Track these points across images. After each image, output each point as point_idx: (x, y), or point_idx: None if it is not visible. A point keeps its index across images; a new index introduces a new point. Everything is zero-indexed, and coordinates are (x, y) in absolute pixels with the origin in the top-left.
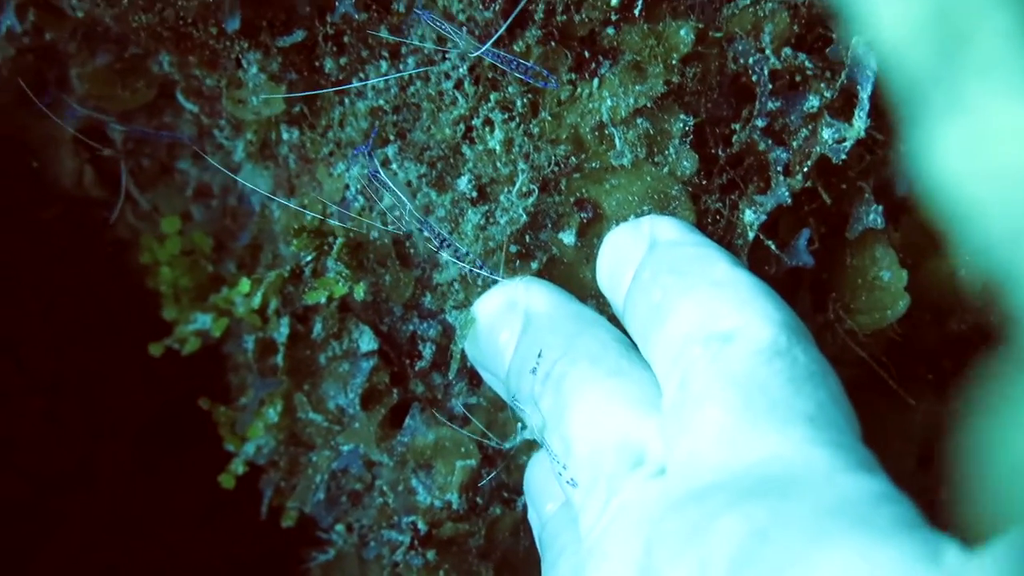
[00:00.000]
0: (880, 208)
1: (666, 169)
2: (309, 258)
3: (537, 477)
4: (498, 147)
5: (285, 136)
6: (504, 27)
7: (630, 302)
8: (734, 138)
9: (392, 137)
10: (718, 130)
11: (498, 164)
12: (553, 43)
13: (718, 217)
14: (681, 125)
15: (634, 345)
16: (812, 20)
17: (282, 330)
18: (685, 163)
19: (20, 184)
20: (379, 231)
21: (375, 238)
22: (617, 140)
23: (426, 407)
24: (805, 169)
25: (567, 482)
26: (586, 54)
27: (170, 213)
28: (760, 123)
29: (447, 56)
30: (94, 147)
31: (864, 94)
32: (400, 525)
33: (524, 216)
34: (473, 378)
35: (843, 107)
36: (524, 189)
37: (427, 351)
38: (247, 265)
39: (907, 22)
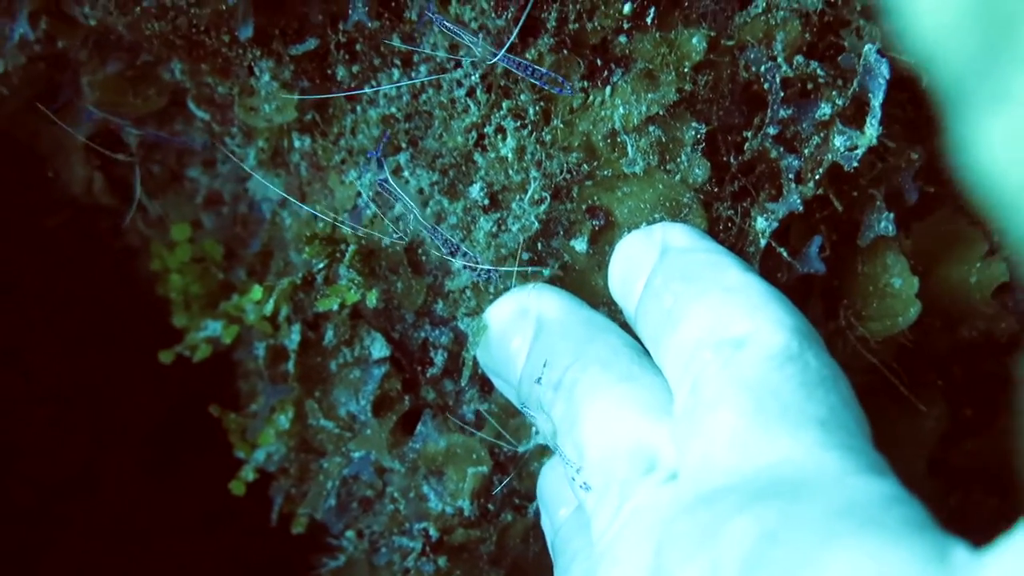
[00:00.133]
0: (891, 215)
1: (678, 177)
2: (321, 265)
3: (550, 483)
4: (510, 155)
5: (297, 144)
6: (515, 33)
7: (642, 308)
8: (746, 146)
9: (404, 145)
10: (730, 138)
11: (510, 172)
12: (565, 51)
13: (730, 224)
14: (693, 133)
15: (646, 351)
16: (824, 28)
17: (293, 337)
18: (697, 171)
19: (28, 191)
20: (391, 238)
21: (387, 245)
22: (629, 148)
23: (438, 414)
24: (817, 176)
25: (580, 487)
26: (598, 62)
27: (180, 220)
28: (772, 131)
29: (459, 64)
30: (106, 154)
31: (876, 102)
32: (411, 531)
33: (536, 223)
34: (485, 385)
35: (855, 115)
36: (536, 196)
37: (439, 358)
38: (257, 272)
39: (949, 13)
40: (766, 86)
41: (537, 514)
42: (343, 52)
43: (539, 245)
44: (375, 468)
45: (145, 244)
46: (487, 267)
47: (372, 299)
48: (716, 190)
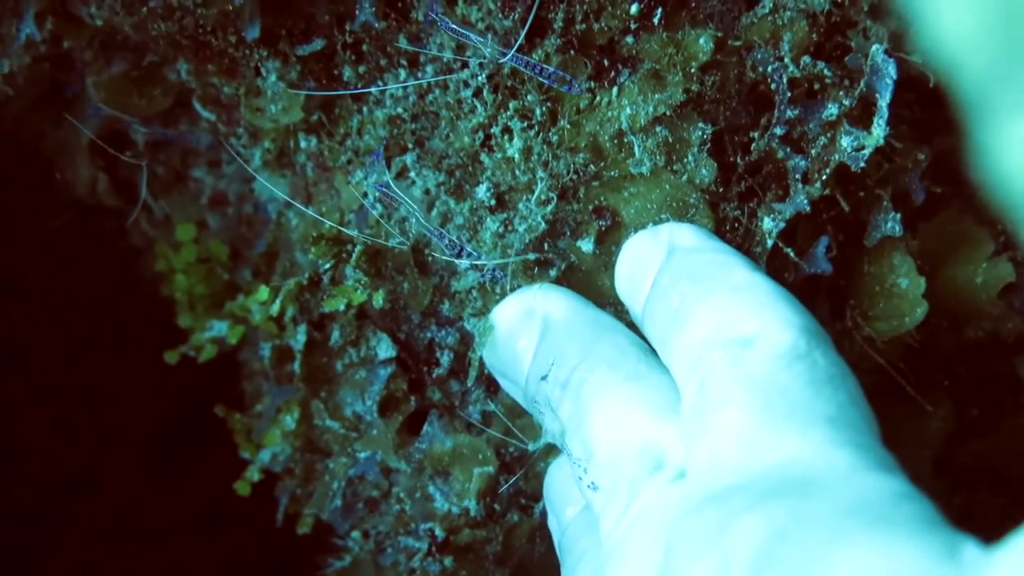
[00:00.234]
0: (898, 216)
1: (685, 177)
2: (328, 266)
3: (557, 482)
4: (517, 155)
5: (303, 144)
6: (524, 34)
7: (649, 308)
8: (753, 146)
9: (411, 145)
10: (737, 138)
11: (517, 172)
12: (572, 51)
13: (737, 225)
14: (700, 133)
15: (652, 351)
16: (831, 28)
17: (299, 337)
18: (704, 171)
19: (32, 192)
20: (394, 241)
21: (393, 246)
22: (636, 148)
23: (444, 414)
24: (824, 177)
25: (588, 486)
26: (605, 62)
27: (185, 221)
28: (779, 131)
29: (466, 64)
30: (112, 154)
31: (883, 102)
32: (417, 532)
33: (543, 224)
34: (491, 385)
35: (861, 115)
36: (543, 197)
37: (445, 358)
38: (263, 273)
39: (972, 19)
40: (773, 86)
41: (543, 514)
42: (349, 52)
43: (546, 245)
44: (381, 468)
45: (149, 244)
46: (486, 261)
47: (378, 300)
48: (723, 190)
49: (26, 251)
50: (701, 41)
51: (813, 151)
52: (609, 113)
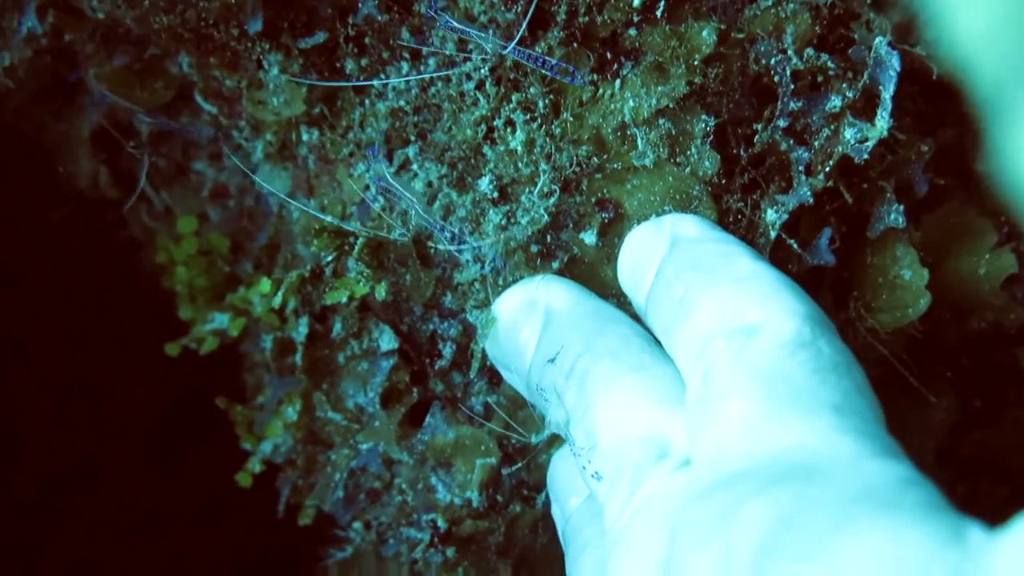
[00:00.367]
0: (901, 207)
1: (688, 169)
2: (330, 258)
3: (561, 472)
4: (520, 148)
5: (305, 137)
6: (524, 26)
7: (652, 299)
8: (756, 138)
9: (413, 138)
10: (740, 130)
11: (519, 165)
12: (575, 44)
13: (740, 217)
14: (703, 125)
15: (656, 341)
16: (834, 21)
17: (300, 329)
18: (707, 163)
19: (32, 185)
20: (399, 230)
21: (395, 238)
22: (639, 140)
23: (446, 406)
24: (827, 169)
25: (592, 476)
26: (608, 55)
27: (186, 214)
28: (782, 123)
29: (469, 57)
30: (115, 144)
31: (886, 94)
32: (419, 523)
33: (545, 216)
34: (493, 377)
35: (865, 107)
36: (546, 189)
37: (447, 350)
38: (264, 265)
39: (989, 20)
40: (776, 79)
41: (545, 505)
42: (352, 45)
43: (548, 238)
44: (383, 460)
45: (150, 237)
46: (474, 243)
47: (381, 292)
48: (726, 182)
49: (27, 244)
50: (704, 34)
51: (816, 143)
52: (612, 105)
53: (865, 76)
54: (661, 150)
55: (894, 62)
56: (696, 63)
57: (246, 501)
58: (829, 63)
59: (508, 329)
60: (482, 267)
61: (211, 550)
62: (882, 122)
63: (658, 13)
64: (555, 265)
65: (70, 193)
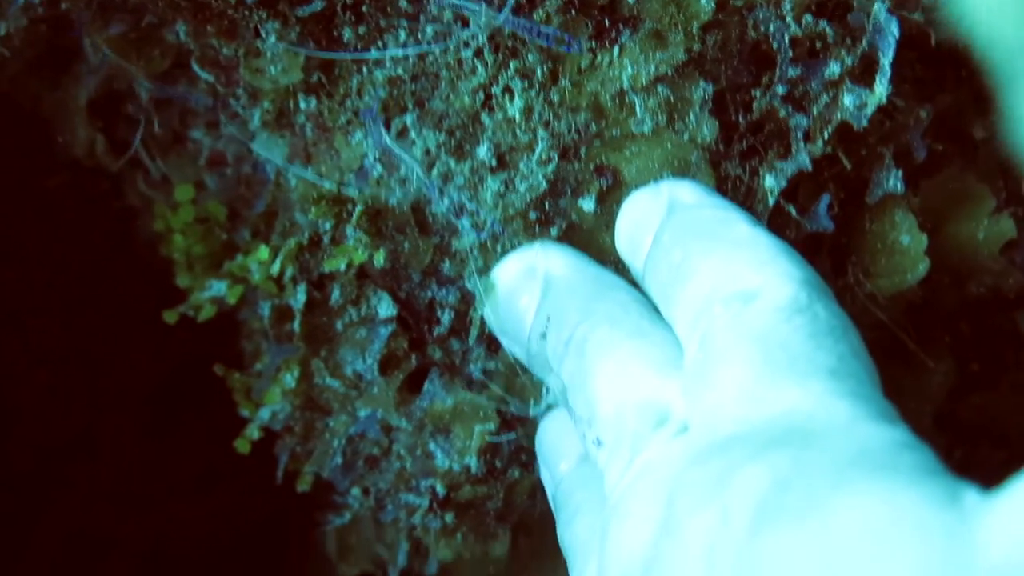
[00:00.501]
0: (900, 173)
1: (686, 136)
2: (328, 226)
3: (550, 436)
4: (518, 115)
5: (303, 105)
6: None
7: (650, 265)
8: (754, 105)
9: (411, 106)
10: (738, 97)
11: (518, 132)
12: (573, 12)
13: (738, 183)
14: (701, 93)
15: (654, 307)
16: None
17: (299, 297)
18: (705, 130)
19: (28, 154)
20: (398, 197)
21: (394, 205)
22: (637, 107)
23: (445, 372)
24: (826, 135)
25: (592, 442)
26: (606, 22)
27: (183, 182)
28: (780, 90)
29: (467, 23)
30: (116, 108)
31: (885, 60)
32: (418, 488)
33: (544, 183)
34: (492, 344)
35: (863, 73)
36: (544, 156)
37: (446, 317)
38: (261, 233)
39: None
40: (775, 45)
41: None
42: (349, 13)
43: (547, 204)
44: (381, 426)
45: (146, 205)
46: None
47: (379, 259)
48: (724, 149)
49: (22, 214)
50: (703, 1)
51: (815, 109)
52: (610, 73)
53: (864, 42)
54: (660, 117)
55: (893, 28)
56: (694, 30)
57: (244, 468)
58: (828, 29)
59: (507, 296)
60: (480, 234)
61: (209, 517)
62: (881, 88)
63: None
64: (553, 232)
65: (66, 162)
